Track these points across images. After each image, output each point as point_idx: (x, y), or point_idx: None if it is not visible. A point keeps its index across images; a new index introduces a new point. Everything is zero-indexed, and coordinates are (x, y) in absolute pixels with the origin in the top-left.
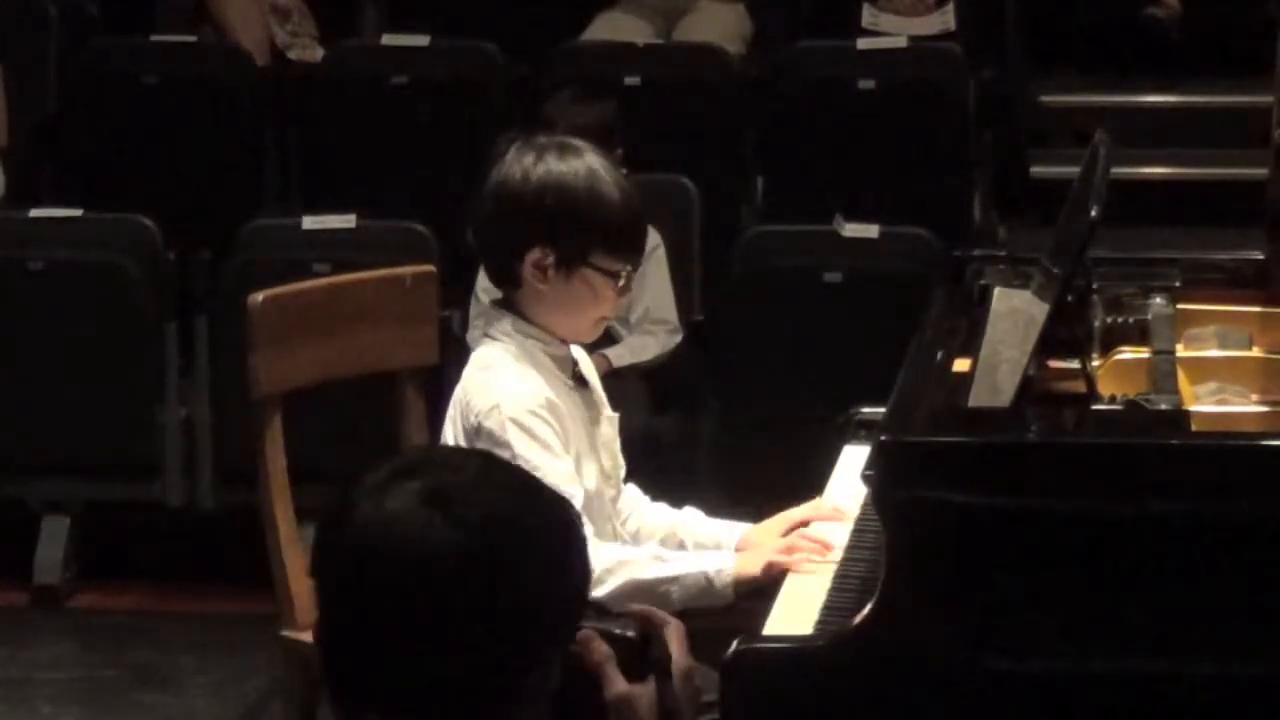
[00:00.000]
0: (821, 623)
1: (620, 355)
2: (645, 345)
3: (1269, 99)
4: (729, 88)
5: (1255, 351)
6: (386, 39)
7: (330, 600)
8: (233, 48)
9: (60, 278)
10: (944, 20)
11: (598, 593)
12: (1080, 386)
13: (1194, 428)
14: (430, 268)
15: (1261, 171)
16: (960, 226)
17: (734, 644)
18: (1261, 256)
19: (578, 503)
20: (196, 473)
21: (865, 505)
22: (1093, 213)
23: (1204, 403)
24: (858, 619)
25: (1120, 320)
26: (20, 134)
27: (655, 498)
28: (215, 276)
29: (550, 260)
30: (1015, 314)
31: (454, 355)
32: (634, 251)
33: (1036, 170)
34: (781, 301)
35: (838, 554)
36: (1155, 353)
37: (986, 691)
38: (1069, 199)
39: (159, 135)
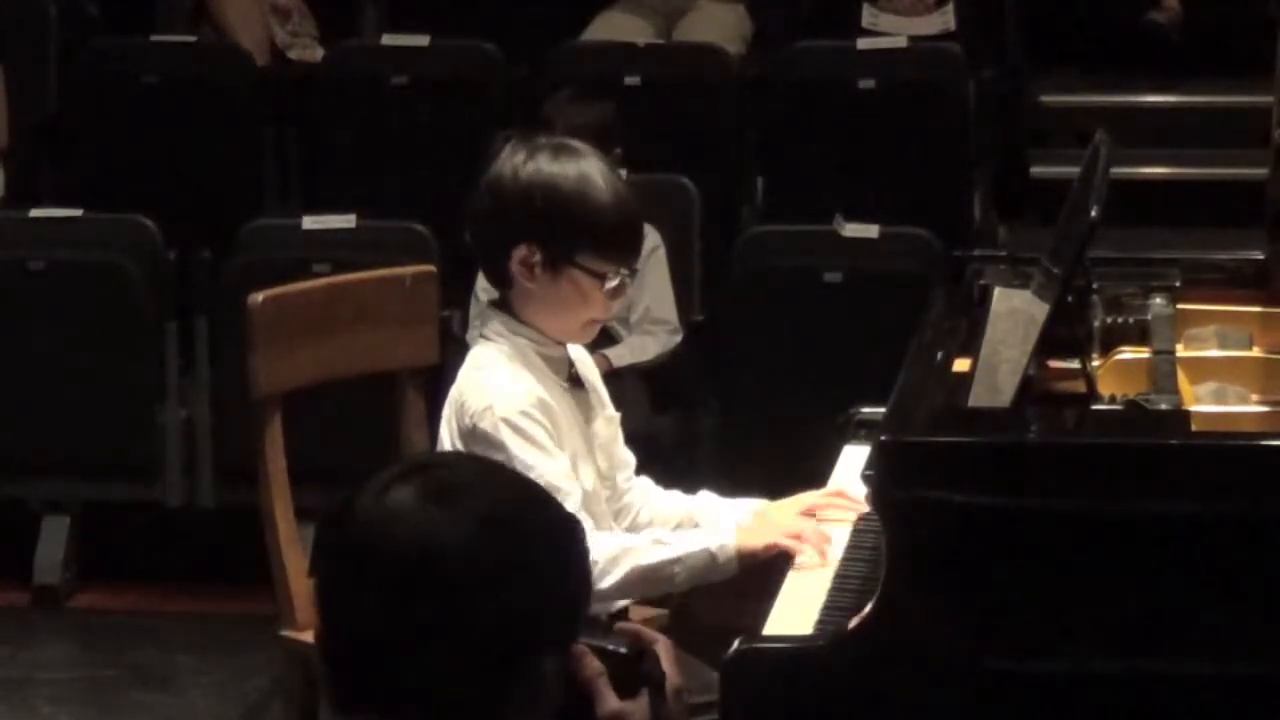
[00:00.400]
0: (821, 623)
1: (620, 355)
2: (645, 345)
3: (1269, 99)
4: (729, 88)
5: (1255, 351)
6: (386, 39)
7: (331, 599)
8: (233, 48)
9: (60, 278)
10: (944, 20)
11: (604, 584)
12: (1080, 386)
13: (1194, 428)
14: (430, 268)
15: (1261, 171)
16: (960, 226)
17: (734, 644)
18: (1261, 256)
19: (576, 500)
20: (196, 473)
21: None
22: (1093, 213)
23: (1204, 403)
24: (858, 619)
25: (1120, 320)
26: (20, 134)
27: None
28: (215, 276)
29: (537, 258)
30: (1015, 314)
31: (454, 355)
32: (624, 255)
33: (1036, 170)
34: (781, 301)
35: (838, 554)
36: (1155, 353)
37: (986, 691)
38: (1069, 199)
39: (159, 135)
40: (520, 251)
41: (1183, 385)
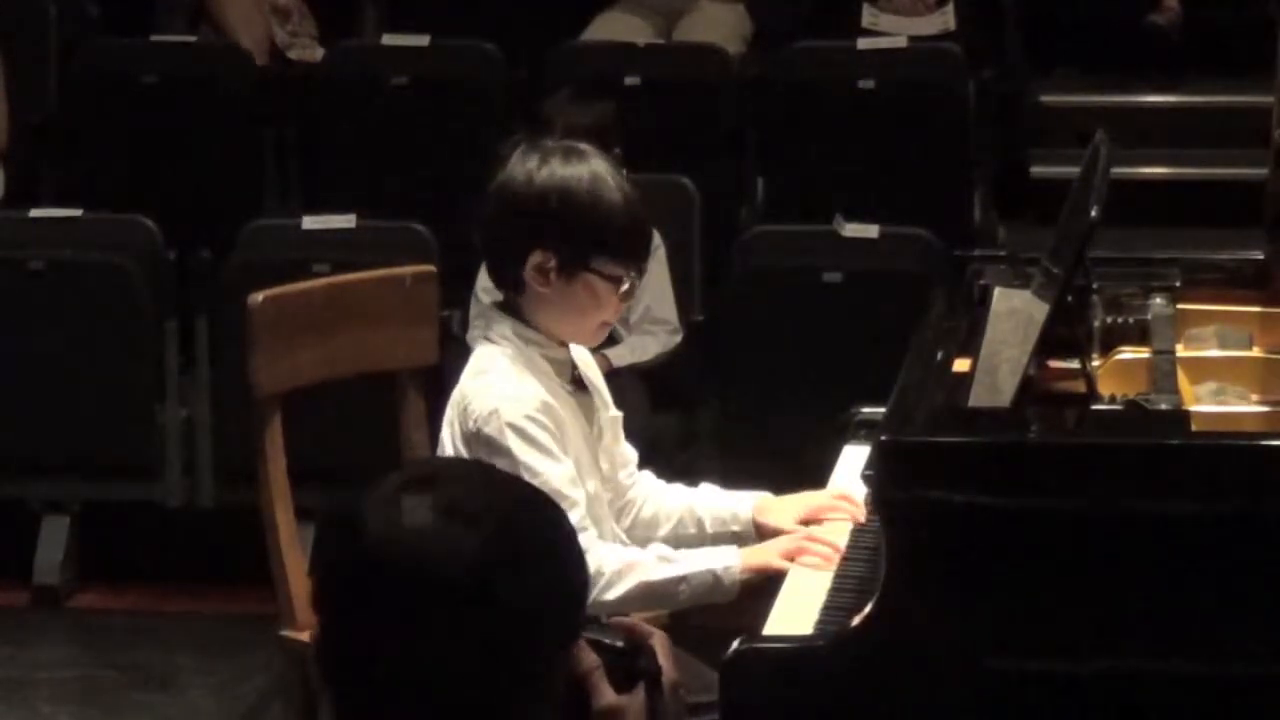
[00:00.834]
0: (821, 623)
1: (620, 355)
2: (645, 345)
3: (1269, 99)
4: (729, 88)
5: (1255, 351)
6: (386, 39)
7: (333, 606)
8: (233, 48)
9: (60, 278)
10: (944, 20)
11: (609, 596)
12: (1080, 386)
13: (1194, 428)
14: (430, 268)
15: (1261, 171)
16: (960, 226)
17: (734, 644)
18: (1261, 256)
19: (580, 505)
20: (196, 473)
21: (865, 505)
22: (1093, 213)
23: (1204, 403)
24: (858, 619)
25: (1120, 320)
26: (20, 134)
27: None
28: (215, 276)
29: (552, 264)
30: (1015, 314)
31: (454, 355)
32: (637, 257)
33: (1036, 170)
34: (781, 301)
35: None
36: (1155, 353)
37: (986, 691)
38: (1069, 199)
39: (159, 135)
40: (536, 258)
41: (1183, 385)
